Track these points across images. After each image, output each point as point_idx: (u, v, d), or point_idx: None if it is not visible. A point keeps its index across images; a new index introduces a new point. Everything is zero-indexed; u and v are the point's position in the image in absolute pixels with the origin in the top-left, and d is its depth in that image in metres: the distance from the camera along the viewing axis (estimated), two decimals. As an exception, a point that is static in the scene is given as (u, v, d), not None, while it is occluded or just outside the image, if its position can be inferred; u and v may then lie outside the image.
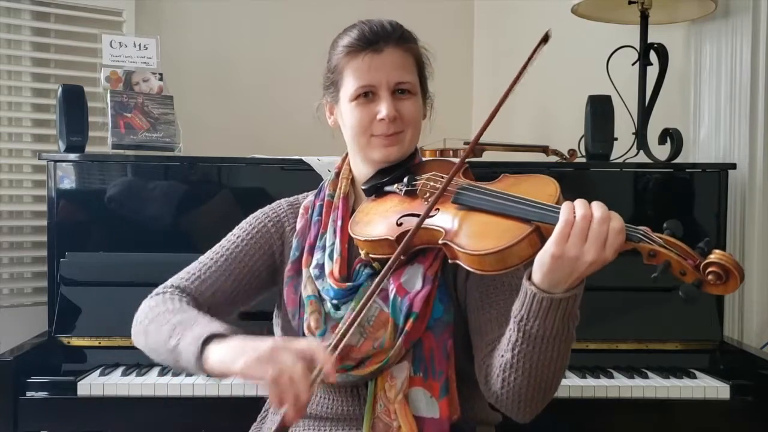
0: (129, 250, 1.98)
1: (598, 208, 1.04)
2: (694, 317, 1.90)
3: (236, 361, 1.06)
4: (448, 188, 1.20)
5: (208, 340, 1.12)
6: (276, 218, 1.38)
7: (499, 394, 1.16)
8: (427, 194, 1.22)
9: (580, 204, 1.05)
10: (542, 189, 1.14)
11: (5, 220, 2.44)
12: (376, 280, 1.16)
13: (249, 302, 1.37)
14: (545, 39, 1.19)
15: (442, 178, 1.23)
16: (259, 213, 1.40)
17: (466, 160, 1.24)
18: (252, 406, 1.50)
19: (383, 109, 1.26)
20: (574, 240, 1.02)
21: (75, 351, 1.89)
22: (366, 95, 1.27)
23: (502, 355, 1.13)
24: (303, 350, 1.05)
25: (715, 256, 0.99)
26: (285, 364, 1.02)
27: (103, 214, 1.99)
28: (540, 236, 1.08)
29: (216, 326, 1.15)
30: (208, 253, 1.36)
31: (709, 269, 0.99)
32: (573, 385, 1.75)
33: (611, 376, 1.81)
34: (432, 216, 1.18)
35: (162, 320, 1.21)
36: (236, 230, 1.38)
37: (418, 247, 1.20)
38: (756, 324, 2.12)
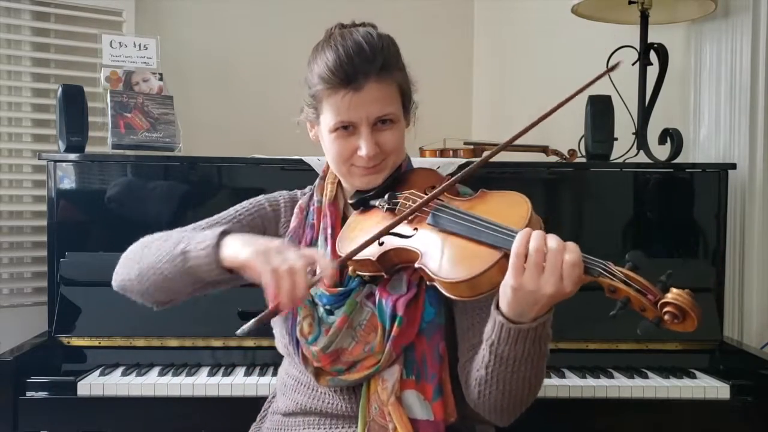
0: (129, 250, 1.97)
1: (552, 239, 1.03)
2: (694, 317, 1.90)
3: (246, 249, 1.11)
4: (426, 207, 1.19)
5: (223, 235, 1.17)
6: (275, 204, 1.40)
7: (477, 403, 1.19)
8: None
9: (535, 236, 1.03)
10: (515, 210, 1.14)
11: (5, 220, 2.44)
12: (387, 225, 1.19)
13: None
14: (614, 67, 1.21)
15: (421, 197, 1.22)
16: (260, 197, 1.41)
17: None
18: (252, 406, 1.50)
19: (363, 147, 1.23)
20: (530, 273, 1.02)
21: (75, 351, 1.89)
22: (346, 128, 1.25)
23: (478, 370, 1.16)
24: (308, 254, 1.11)
25: (672, 295, 0.98)
26: (289, 257, 1.07)
27: (103, 214, 1.99)
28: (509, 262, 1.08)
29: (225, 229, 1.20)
30: (203, 221, 1.36)
31: (666, 309, 0.98)
32: (573, 385, 1.75)
33: (611, 376, 1.81)
34: (410, 236, 1.19)
35: (161, 242, 1.24)
36: (236, 206, 1.39)
37: (399, 266, 1.21)
38: (756, 324, 2.12)
